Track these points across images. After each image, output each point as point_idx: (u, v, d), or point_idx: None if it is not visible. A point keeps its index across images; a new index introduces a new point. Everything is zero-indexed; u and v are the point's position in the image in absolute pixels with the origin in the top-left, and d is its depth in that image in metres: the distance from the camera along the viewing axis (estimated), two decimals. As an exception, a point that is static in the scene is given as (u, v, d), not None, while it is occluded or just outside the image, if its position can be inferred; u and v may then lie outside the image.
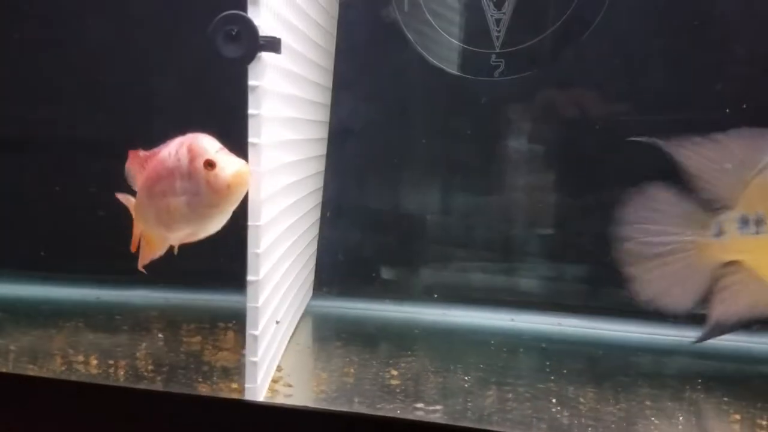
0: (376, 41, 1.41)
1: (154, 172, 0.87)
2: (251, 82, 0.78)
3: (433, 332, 1.31)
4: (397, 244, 1.48)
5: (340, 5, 1.37)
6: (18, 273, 1.55)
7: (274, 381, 0.99)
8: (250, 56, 0.74)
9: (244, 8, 0.75)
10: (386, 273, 1.47)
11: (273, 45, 0.76)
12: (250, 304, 0.84)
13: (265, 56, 0.76)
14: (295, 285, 1.19)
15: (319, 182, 1.39)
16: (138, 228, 0.99)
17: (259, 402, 0.87)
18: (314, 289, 1.47)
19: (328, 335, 1.28)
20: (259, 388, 0.88)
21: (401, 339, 1.26)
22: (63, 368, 1.03)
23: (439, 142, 1.42)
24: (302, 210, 1.20)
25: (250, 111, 0.79)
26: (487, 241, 1.43)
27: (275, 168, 0.90)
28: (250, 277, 0.84)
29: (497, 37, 1.35)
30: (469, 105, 1.39)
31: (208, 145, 0.83)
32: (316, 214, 1.40)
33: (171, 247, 0.96)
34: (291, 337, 1.20)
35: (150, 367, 1.04)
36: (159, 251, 0.96)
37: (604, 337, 1.31)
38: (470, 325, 1.36)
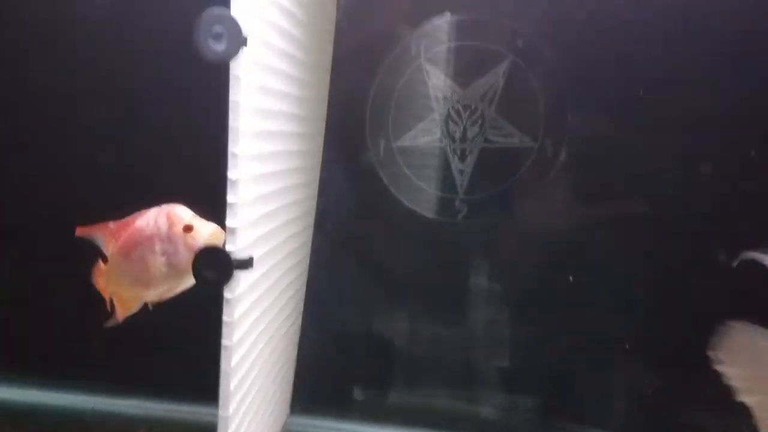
0: (355, 180, 1.59)
1: (131, 238, 0.97)
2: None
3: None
4: (369, 366, 1.60)
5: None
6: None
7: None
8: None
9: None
10: (357, 393, 1.59)
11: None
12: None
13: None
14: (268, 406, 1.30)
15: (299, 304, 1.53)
16: (108, 292, 1.06)
17: None
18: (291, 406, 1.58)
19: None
20: None
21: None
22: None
23: (412, 274, 1.57)
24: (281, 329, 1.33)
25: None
26: (451, 369, 1.55)
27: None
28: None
29: (461, 185, 1.53)
30: (437, 243, 1.55)
31: (184, 213, 0.95)
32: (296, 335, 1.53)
33: (145, 304, 1.04)
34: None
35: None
36: (134, 309, 1.05)
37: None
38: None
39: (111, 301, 1.07)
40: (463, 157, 1.53)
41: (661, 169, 1.46)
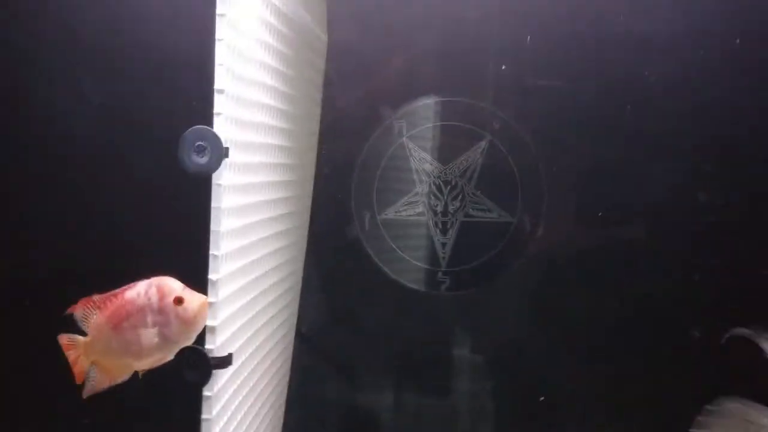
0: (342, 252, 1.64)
1: (123, 309, 0.99)
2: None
3: None
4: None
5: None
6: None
7: None
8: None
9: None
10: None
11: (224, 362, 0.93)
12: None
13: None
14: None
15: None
16: (86, 362, 1.06)
17: None
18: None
19: None
20: None
21: None
22: None
23: (394, 346, 1.61)
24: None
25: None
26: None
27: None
28: None
29: (443, 257, 1.58)
30: (420, 314, 1.60)
31: (174, 285, 0.98)
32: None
33: (136, 373, 1.04)
34: None
35: None
36: (123, 378, 1.05)
37: None
38: None
39: (83, 373, 1.06)
40: (444, 230, 1.58)
41: (639, 240, 1.52)
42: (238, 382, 1.06)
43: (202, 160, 0.86)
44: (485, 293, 1.56)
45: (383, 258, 1.61)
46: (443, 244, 1.58)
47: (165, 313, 0.97)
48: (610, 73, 1.48)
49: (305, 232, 1.54)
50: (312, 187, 1.54)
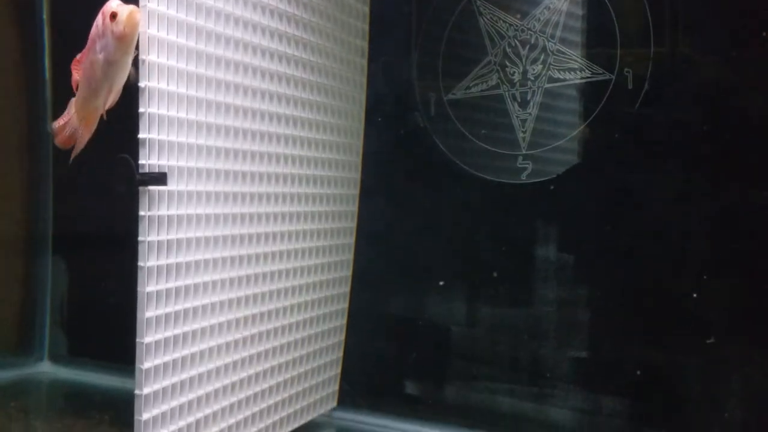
0: (403, 144, 1.40)
1: (84, 54, 0.95)
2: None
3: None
4: (422, 357, 1.37)
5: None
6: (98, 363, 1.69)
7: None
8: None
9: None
10: (410, 388, 1.36)
11: (159, 179, 0.79)
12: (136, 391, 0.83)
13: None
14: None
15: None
16: (75, 121, 1.02)
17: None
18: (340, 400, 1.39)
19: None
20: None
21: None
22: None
23: (466, 250, 1.33)
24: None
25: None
26: (514, 360, 1.26)
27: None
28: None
29: (523, 139, 1.27)
30: (497, 211, 1.30)
31: (113, 3, 0.89)
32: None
33: (101, 118, 0.98)
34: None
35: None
36: (94, 126, 1.00)
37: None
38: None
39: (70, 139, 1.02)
40: (524, 103, 1.27)
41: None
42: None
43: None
44: (575, 179, 1.22)
45: (452, 146, 1.34)
46: (523, 121, 1.27)
47: (106, 35, 0.89)
48: None
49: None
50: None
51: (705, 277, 1.12)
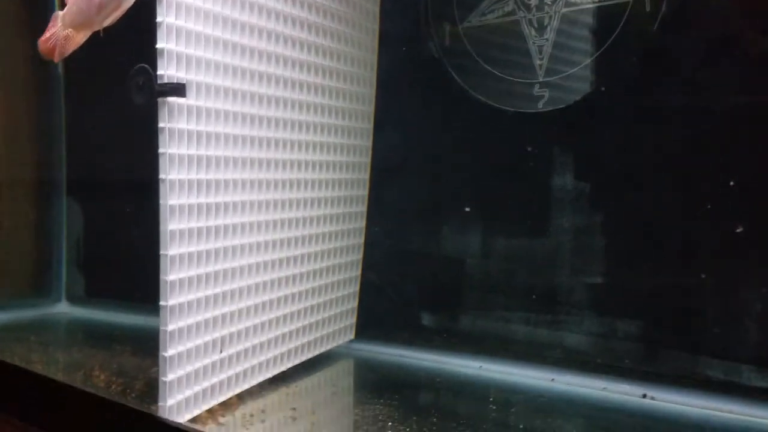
0: (416, 77, 1.38)
1: None
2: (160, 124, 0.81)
3: (464, 388, 1.18)
4: (439, 288, 1.38)
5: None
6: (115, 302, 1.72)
7: (212, 411, 0.96)
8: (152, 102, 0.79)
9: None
10: (426, 319, 1.38)
11: (177, 90, 0.78)
12: (161, 327, 0.85)
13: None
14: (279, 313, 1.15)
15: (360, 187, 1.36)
16: (62, 32, 1.01)
17: (165, 420, 0.85)
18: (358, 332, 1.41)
19: (342, 380, 1.21)
20: (174, 409, 0.86)
21: (426, 393, 1.16)
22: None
23: (483, 177, 1.33)
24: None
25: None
26: (529, 288, 1.27)
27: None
28: (161, 302, 0.85)
29: (540, 66, 1.25)
30: (514, 139, 1.29)
31: None
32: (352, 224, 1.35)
33: (97, 33, 0.98)
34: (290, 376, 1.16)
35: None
36: (84, 37, 1.00)
37: (658, 409, 1.06)
38: (506, 383, 1.20)
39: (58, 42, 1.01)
40: (541, 29, 1.25)
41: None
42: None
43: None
44: (593, 107, 1.21)
45: (467, 76, 1.32)
46: (540, 48, 1.25)
47: None
48: None
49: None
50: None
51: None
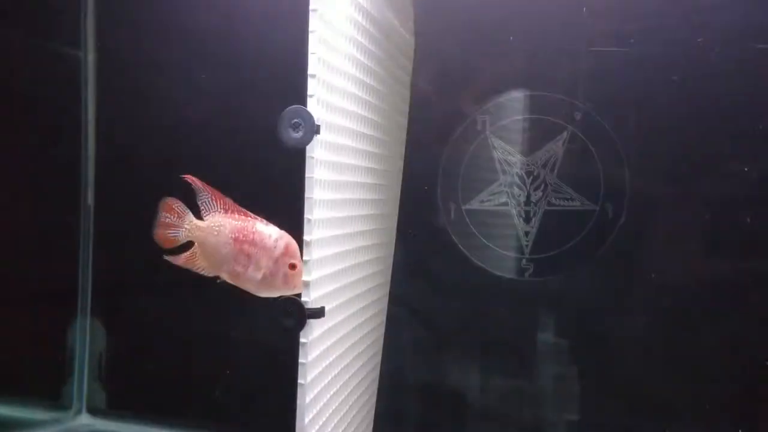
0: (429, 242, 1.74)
1: (251, 234, 1.07)
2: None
3: None
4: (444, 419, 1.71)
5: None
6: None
7: None
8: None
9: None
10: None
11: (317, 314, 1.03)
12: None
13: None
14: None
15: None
16: (183, 237, 1.12)
17: None
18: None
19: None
20: None
21: None
22: None
23: (479, 329, 1.69)
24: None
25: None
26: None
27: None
28: None
29: (526, 245, 1.65)
30: (505, 300, 1.66)
31: (298, 252, 1.06)
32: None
33: (217, 277, 1.11)
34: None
35: None
36: (204, 272, 1.12)
37: None
38: None
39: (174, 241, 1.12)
40: (528, 219, 1.65)
41: (724, 226, 1.52)
42: (333, 339, 1.18)
43: (297, 134, 0.99)
44: (568, 280, 1.60)
45: (468, 246, 1.69)
46: (526, 233, 1.65)
47: (278, 266, 1.06)
48: (698, 66, 1.49)
49: (394, 221, 1.66)
50: (400, 178, 1.65)
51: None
